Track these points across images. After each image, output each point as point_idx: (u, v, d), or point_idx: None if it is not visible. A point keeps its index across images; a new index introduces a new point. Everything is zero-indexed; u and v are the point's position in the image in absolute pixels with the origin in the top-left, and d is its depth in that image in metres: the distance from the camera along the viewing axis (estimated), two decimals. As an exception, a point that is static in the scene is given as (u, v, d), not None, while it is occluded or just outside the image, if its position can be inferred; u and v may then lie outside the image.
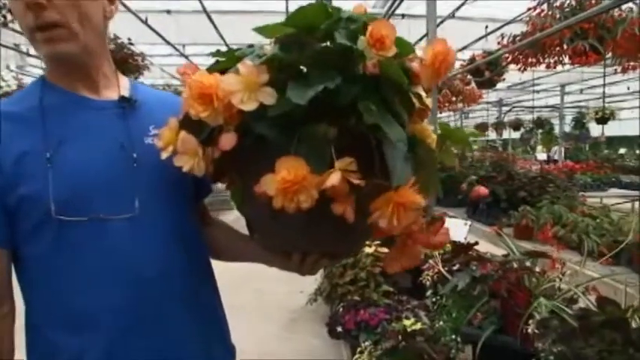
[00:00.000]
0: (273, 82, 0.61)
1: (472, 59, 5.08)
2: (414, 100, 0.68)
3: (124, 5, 3.86)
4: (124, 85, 0.82)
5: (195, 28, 5.19)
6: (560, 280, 1.47)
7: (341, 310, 2.25)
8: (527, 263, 1.60)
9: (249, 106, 0.59)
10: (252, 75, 0.59)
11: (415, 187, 0.61)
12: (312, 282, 3.02)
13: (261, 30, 0.69)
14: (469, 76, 5.57)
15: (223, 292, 0.89)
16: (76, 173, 0.70)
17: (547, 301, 1.27)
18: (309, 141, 0.60)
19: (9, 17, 3.53)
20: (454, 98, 6.31)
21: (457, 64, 6.16)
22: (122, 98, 0.79)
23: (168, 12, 5.40)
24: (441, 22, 4.71)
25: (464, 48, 5.69)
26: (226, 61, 0.67)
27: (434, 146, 0.72)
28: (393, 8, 4.58)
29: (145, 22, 4.39)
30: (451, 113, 13.25)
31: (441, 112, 9.32)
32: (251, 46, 0.70)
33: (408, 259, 0.74)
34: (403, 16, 5.66)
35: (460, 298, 1.64)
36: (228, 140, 0.62)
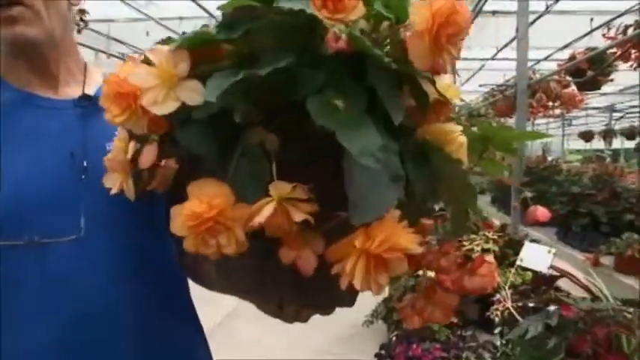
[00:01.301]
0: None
1: (572, 57, 4.42)
2: (429, 88, 0.46)
3: (202, 7, 3.95)
4: (93, 82, 0.70)
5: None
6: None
7: (394, 339, 2.00)
8: (626, 313, 1.24)
9: (165, 109, 0.42)
10: (167, 64, 0.42)
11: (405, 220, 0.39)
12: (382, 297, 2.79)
13: (223, 6, 0.53)
14: (568, 78, 4.88)
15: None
16: (10, 188, 0.59)
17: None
18: (243, 155, 0.41)
19: None
20: (550, 103, 5.58)
21: (554, 65, 5.48)
22: (83, 96, 0.67)
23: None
24: (536, 18, 4.19)
25: (564, 47, 5.02)
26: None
27: (461, 155, 0.48)
28: (481, 3, 4.15)
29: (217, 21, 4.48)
30: (550, 120, 12.03)
31: (534, 119, 8.40)
32: (206, 26, 0.54)
33: (435, 311, 0.49)
34: (494, 12, 5.19)
35: (530, 348, 1.33)
36: (147, 154, 0.46)
